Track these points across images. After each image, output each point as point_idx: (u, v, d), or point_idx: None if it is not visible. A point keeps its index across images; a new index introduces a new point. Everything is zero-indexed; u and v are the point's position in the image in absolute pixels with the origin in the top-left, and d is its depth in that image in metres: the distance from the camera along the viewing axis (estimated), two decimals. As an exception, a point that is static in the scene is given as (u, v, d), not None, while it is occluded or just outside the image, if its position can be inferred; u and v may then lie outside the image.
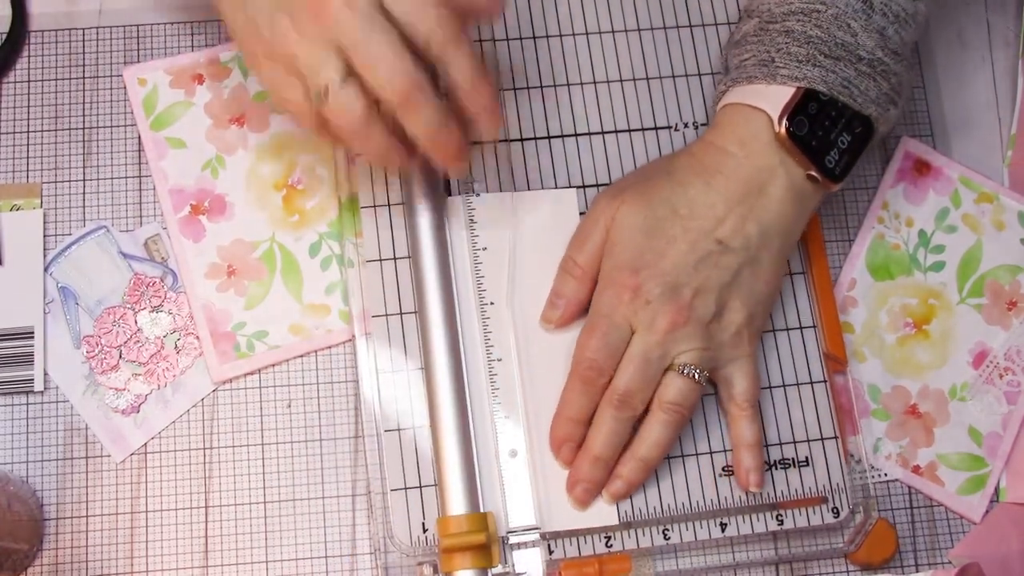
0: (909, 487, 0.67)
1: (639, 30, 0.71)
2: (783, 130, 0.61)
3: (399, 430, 0.63)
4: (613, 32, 0.71)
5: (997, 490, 0.67)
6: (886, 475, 0.66)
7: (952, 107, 0.73)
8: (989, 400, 0.68)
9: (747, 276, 0.62)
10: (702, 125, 0.69)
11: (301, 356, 0.66)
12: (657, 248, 0.61)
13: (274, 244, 0.67)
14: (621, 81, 0.70)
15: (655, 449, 0.61)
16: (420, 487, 0.62)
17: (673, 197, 0.62)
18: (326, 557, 0.64)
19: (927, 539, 0.66)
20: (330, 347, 0.66)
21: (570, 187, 0.67)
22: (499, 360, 0.64)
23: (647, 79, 0.70)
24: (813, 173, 0.62)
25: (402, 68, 0.54)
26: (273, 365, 0.66)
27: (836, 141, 0.62)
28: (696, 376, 0.61)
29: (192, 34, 0.70)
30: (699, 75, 0.70)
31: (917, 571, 0.65)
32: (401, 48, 0.54)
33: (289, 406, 0.65)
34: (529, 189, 0.67)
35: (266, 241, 0.67)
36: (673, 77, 0.70)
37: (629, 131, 0.69)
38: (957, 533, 0.66)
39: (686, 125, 0.69)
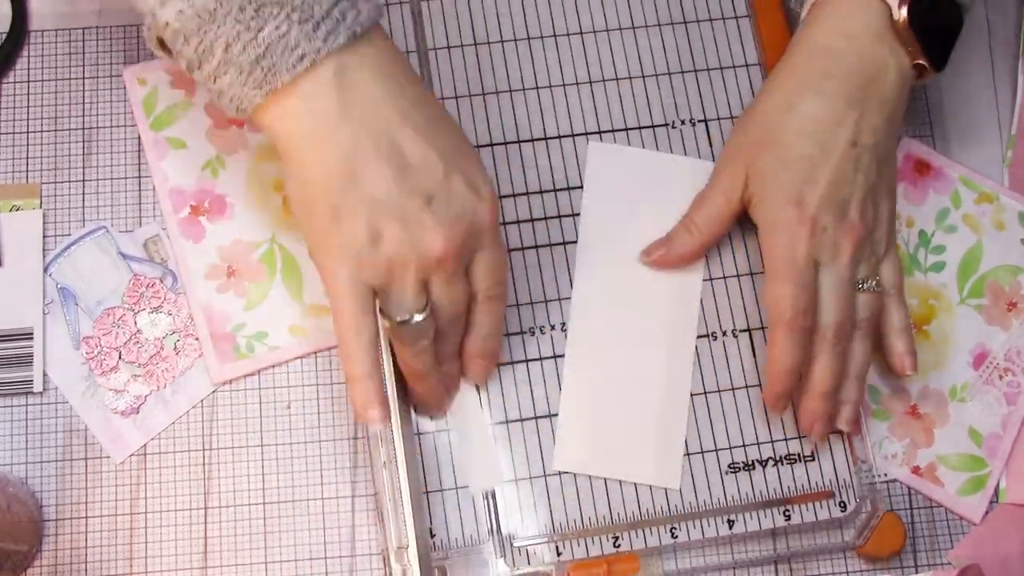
0: (909, 488, 0.67)
1: (633, 28, 0.71)
2: (903, 18, 0.61)
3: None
4: (608, 31, 0.70)
5: (997, 491, 0.67)
6: (886, 475, 0.66)
7: (952, 107, 0.73)
8: (989, 401, 0.68)
9: (885, 170, 0.63)
10: (699, 121, 0.69)
11: (301, 357, 0.66)
12: (805, 174, 0.61)
13: (274, 245, 0.67)
14: (617, 79, 0.70)
15: (864, 366, 0.63)
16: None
17: (793, 122, 0.62)
18: (326, 558, 0.64)
19: (927, 540, 0.66)
20: (330, 348, 0.66)
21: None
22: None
23: (643, 77, 0.70)
24: (921, 61, 0.63)
25: (460, 322, 0.60)
26: (273, 366, 0.66)
27: (939, 29, 0.63)
28: (875, 288, 0.62)
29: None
30: (695, 71, 0.70)
31: (917, 572, 0.65)
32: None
33: (289, 407, 0.65)
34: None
35: (266, 242, 0.67)
36: (669, 74, 0.70)
37: (626, 129, 0.69)
38: (957, 534, 0.66)
39: (683, 122, 0.69)
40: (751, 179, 0.63)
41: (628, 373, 0.65)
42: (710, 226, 0.65)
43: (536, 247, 0.67)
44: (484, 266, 0.58)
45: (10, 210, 0.67)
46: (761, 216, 0.63)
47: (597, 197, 0.67)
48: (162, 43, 0.55)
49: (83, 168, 0.68)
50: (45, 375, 0.65)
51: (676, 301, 0.66)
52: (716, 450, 0.64)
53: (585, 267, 0.66)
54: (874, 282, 0.62)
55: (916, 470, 0.67)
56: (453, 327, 0.59)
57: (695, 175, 0.67)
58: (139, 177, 0.68)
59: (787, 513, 0.63)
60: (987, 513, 0.66)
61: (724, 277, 0.67)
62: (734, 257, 0.67)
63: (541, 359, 0.65)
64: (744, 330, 0.66)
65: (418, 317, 0.56)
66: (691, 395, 0.65)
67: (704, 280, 0.67)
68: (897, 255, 0.65)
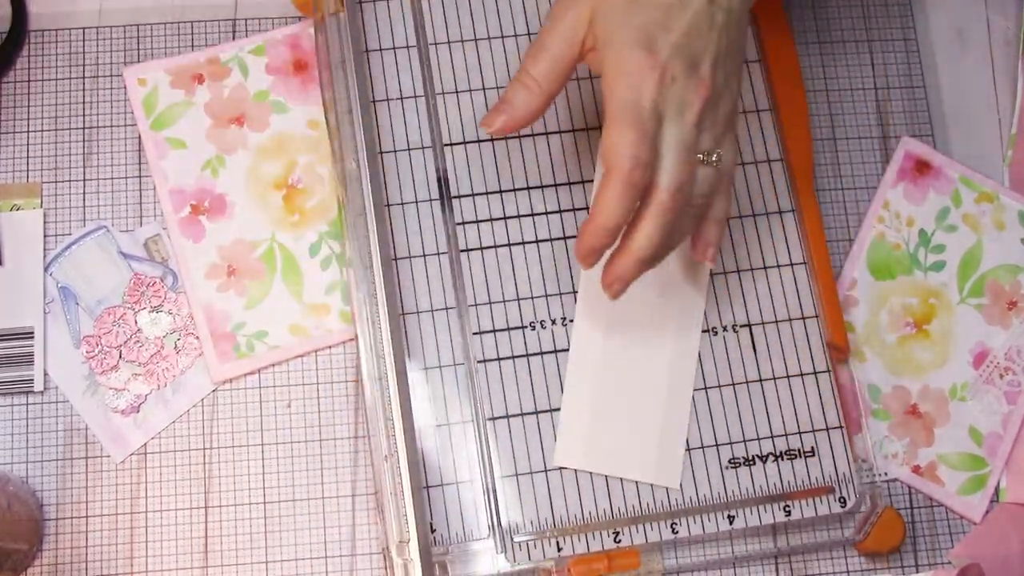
0: (909, 487, 0.67)
1: None
2: None
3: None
4: None
5: (997, 490, 0.67)
6: (887, 475, 0.66)
7: (952, 107, 0.73)
8: (989, 400, 0.68)
9: (738, 39, 0.57)
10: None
11: (301, 356, 0.66)
12: (659, 19, 0.55)
13: (274, 244, 0.67)
14: None
15: (678, 240, 0.58)
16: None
17: None
18: (326, 557, 0.64)
19: (927, 539, 0.66)
20: (330, 347, 0.66)
21: None
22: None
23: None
24: None
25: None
26: (273, 365, 0.66)
27: None
28: (716, 163, 0.56)
29: (192, 34, 0.70)
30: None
31: (917, 571, 0.65)
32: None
33: (289, 406, 0.65)
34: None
35: (266, 241, 0.67)
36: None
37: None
38: (957, 533, 0.66)
39: None
40: (596, 20, 0.56)
41: (631, 371, 0.65)
42: (550, 79, 0.57)
43: (537, 241, 0.67)
44: None
45: (10, 209, 0.67)
46: (606, 59, 0.55)
47: None
48: None
49: (83, 168, 0.68)
50: (45, 374, 0.65)
51: (682, 297, 0.66)
52: (716, 445, 0.64)
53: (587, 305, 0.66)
54: (715, 157, 0.56)
55: (917, 469, 0.67)
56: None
57: None
58: (139, 177, 0.68)
59: (787, 509, 0.63)
60: (987, 512, 0.66)
61: (724, 272, 0.67)
62: (734, 252, 0.67)
63: (542, 353, 0.65)
64: (744, 325, 0.66)
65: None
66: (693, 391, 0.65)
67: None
68: (736, 140, 0.58)
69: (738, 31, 0.57)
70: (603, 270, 0.58)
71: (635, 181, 0.54)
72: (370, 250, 0.63)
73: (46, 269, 0.66)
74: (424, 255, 0.65)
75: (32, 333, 0.65)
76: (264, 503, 0.64)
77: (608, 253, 0.57)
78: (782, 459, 0.64)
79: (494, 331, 0.65)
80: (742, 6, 0.57)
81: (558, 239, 0.67)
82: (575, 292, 0.66)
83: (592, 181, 0.67)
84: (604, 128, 0.55)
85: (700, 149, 0.56)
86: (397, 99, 0.68)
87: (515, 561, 0.61)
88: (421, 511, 0.60)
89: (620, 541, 0.62)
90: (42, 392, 0.65)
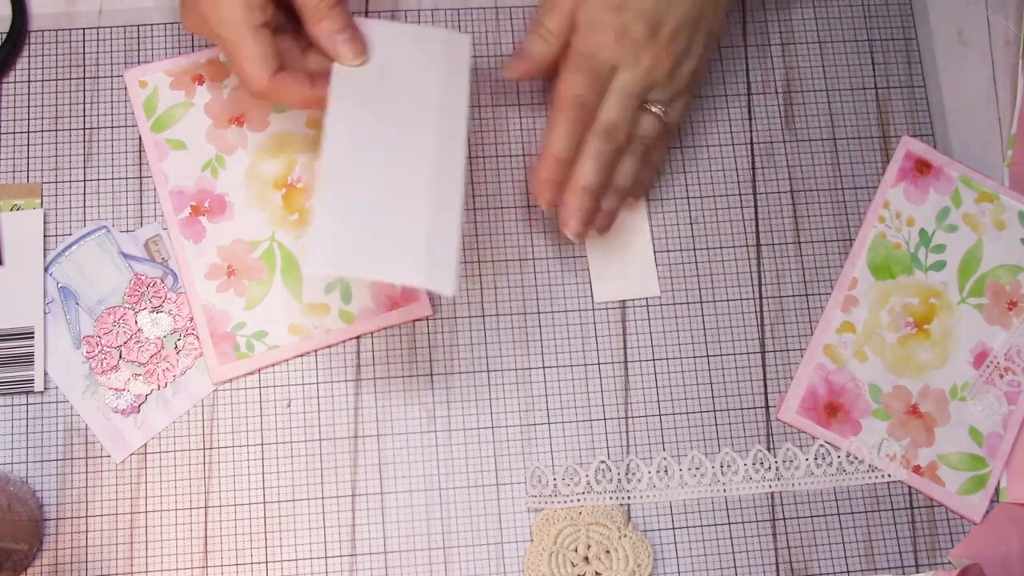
0: (909, 487, 0.67)
1: None
2: None
3: None
4: None
5: (997, 490, 0.67)
6: (888, 476, 0.66)
7: (953, 107, 0.73)
8: (989, 400, 0.68)
9: (709, 10, 0.64)
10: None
11: (301, 356, 0.66)
12: None
13: (274, 243, 0.67)
14: None
15: (629, 178, 0.65)
16: None
17: None
18: (326, 558, 0.64)
19: (927, 539, 0.66)
20: (330, 347, 0.66)
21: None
22: None
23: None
24: None
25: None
26: (273, 365, 0.66)
27: None
28: (662, 112, 0.64)
29: (192, 34, 0.70)
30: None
31: (917, 571, 0.65)
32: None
33: (289, 406, 0.66)
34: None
35: (266, 240, 0.67)
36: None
37: None
38: (957, 533, 0.66)
39: None
40: None
41: (391, 163, 0.60)
42: (562, 31, 0.64)
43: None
44: None
45: (11, 209, 0.67)
46: (581, 14, 0.63)
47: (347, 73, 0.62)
48: None
49: (84, 168, 0.68)
50: (46, 374, 0.65)
51: (438, 143, 0.61)
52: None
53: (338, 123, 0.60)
54: (661, 109, 0.64)
55: (917, 469, 0.67)
56: None
57: (448, 44, 0.64)
58: (140, 177, 0.68)
59: None
60: (987, 512, 0.66)
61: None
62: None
63: None
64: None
65: None
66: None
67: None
68: (688, 106, 0.67)
69: (714, 7, 0.65)
70: (559, 212, 0.64)
71: (577, 117, 0.62)
72: None
73: (46, 269, 0.66)
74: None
75: (32, 333, 0.65)
76: (264, 503, 0.64)
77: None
78: None
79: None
80: None
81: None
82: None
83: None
84: (560, 72, 0.63)
85: (648, 99, 0.64)
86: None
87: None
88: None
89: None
90: (42, 392, 0.65)
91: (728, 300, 0.69)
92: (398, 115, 0.62)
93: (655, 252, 0.69)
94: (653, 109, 0.64)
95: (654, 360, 0.67)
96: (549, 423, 0.66)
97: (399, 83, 0.63)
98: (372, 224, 0.58)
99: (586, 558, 0.63)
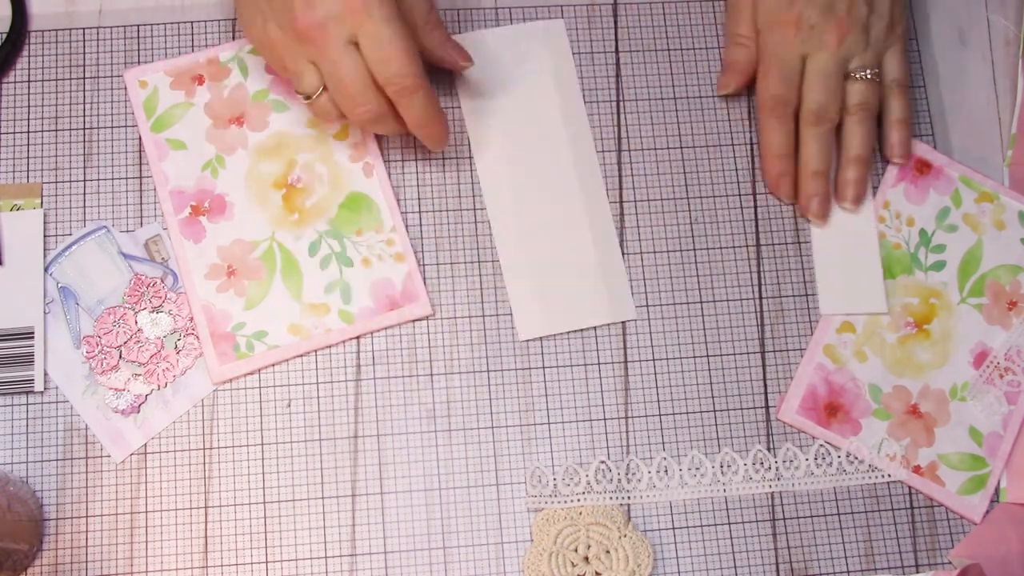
0: (909, 487, 0.67)
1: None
2: None
3: None
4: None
5: (997, 490, 0.67)
6: (888, 476, 0.66)
7: (952, 107, 0.73)
8: (990, 400, 0.68)
9: None
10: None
11: (301, 356, 0.66)
12: None
13: (273, 243, 0.67)
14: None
15: (864, 146, 0.69)
16: None
17: None
18: (326, 558, 0.64)
19: (927, 539, 0.66)
20: (330, 346, 0.66)
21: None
22: None
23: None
24: None
25: (364, 99, 0.62)
26: (273, 365, 0.66)
27: None
28: (869, 75, 0.68)
29: (192, 34, 0.70)
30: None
31: (917, 571, 0.65)
32: (366, 79, 0.61)
33: (289, 406, 0.65)
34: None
35: (266, 240, 0.67)
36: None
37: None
38: (957, 533, 0.66)
39: None
40: None
41: (553, 228, 0.68)
42: (754, 32, 0.69)
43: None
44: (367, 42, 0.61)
45: (11, 209, 0.67)
46: (759, 16, 0.69)
47: (471, 90, 0.70)
48: None
49: (84, 168, 0.68)
50: (46, 374, 0.65)
51: (575, 151, 0.69)
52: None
53: (486, 162, 0.69)
54: (868, 72, 0.68)
55: (917, 469, 0.67)
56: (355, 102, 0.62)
57: (547, 35, 0.71)
58: (140, 177, 0.68)
59: None
60: (987, 512, 0.66)
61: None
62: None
63: None
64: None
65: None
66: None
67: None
68: (904, 53, 0.70)
69: None
70: (798, 200, 0.69)
71: (781, 114, 0.68)
72: None
73: (46, 269, 0.66)
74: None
75: (32, 333, 0.65)
76: (264, 503, 0.64)
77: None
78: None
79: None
80: None
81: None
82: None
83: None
84: (758, 75, 0.69)
85: (849, 70, 0.68)
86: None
87: None
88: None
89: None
90: (42, 392, 0.65)
91: (728, 300, 0.69)
92: (531, 129, 0.69)
93: (655, 252, 0.69)
94: (859, 75, 0.68)
95: (654, 360, 0.67)
96: (549, 423, 0.66)
97: (519, 91, 0.70)
98: (555, 278, 0.67)
99: (586, 558, 0.63)
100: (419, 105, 0.62)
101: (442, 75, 0.70)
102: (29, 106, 0.69)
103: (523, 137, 0.69)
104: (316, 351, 0.66)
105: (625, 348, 0.67)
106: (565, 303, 0.67)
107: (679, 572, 0.64)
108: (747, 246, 0.69)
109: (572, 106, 0.70)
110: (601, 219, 0.68)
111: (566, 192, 0.68)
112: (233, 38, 0.70)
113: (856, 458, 0.66)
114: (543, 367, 0.67)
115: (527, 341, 0.67)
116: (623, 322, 0.68)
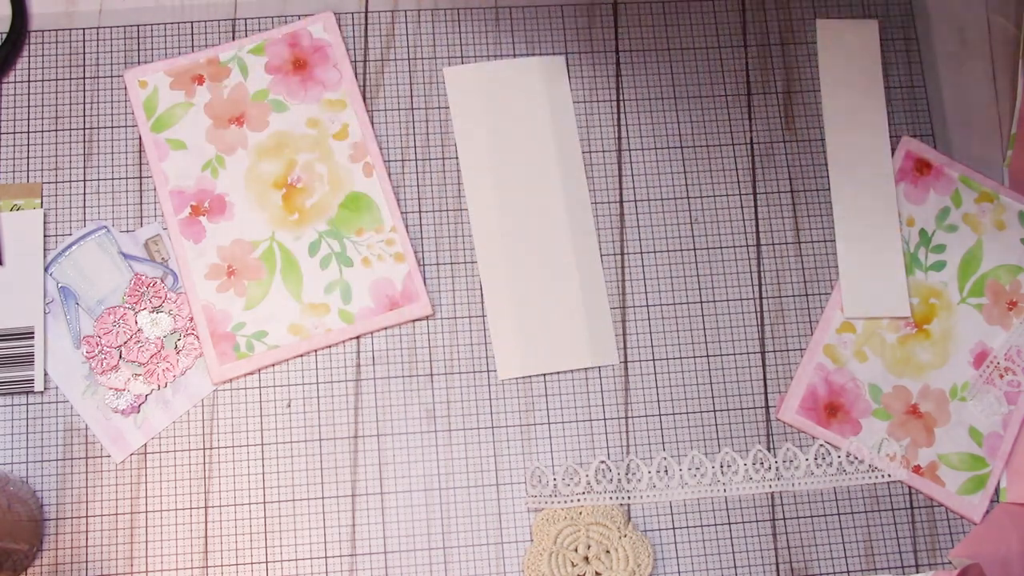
0: (909, 487, 0.67)
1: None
2: None
3: None
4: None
5: (997, 490, 0.67)
6: (888, 476, 0.66)
7: (952, 107, 0.73)
8: (989, 400, 0.68)
9: None
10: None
11: (301, 356, 0.66)
12: None
13: (273, 243, 0.67)
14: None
15: None
16: None
17: None
18: (326, 558, 0.64)
19: (927, 539, 0.66)
20: (329, 347, 0.66)
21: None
22: None
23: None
24: None
25: None
26: (273, 365, 0.66)
27: None
28: None
29: (192, 34, 0.70)
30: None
31: (917, 571, 0.65)
32: None
33: (289, 406, 0.65)
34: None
35: (266, 240, 0.67)
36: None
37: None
38: (957, 533, 0.66)
39: None
40: None
41: (540, 269, 0.68)
42: None
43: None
44: None
45: (11, 209, 0.67)
46: None
47: (466, 119, 0.70)
48: None
49: (84, 168, 0.68)
50: (46, 374, 0.65)
51: (566, 187, 0.69)
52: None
53: (475, 189, 0.69)
54: None
55: (917, 469, 0.67)
56: None
57: (546, 71, 0.70)
58: (140, 177, 0.68)
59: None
60: (987, 512, 0.66)
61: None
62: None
63: None
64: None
65: None
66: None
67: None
68: None
69: None
70: None
71: None
72: None
73: (46, 269, 0.66)
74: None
75: (32, 333, 0.65)
76: (264, 503, 0.64)
77: None
78: None
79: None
80: None
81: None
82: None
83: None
84: None
85: None
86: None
87: None
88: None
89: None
90: (42, 392, 0.65)
91: (728, 300, 0.69)
92: (525, 167, 0.69)
93: (655, 252, 0.69)
94: None
95: (654, 360, 0.67)
96: (549, 423, 0.66)
97: (515, 126, 0.69)
98: (539, 321, 0.67)
99: (586, 558, 0.63)
100: None
101: (441, 102, 0.70)
102: (29, 106, 0.69)
103: (516, 184, 0.69)
104: (316, 351, 0.66)
105: (625, 348, 0.67)
106: (548, 344, 0.67)
107: (679, 572, 0.64)
108: (747, 246, 0.69)
109: (569, 152, 0.69)
110: (590, 265, 0.68)
111: (556, 237, 0.68)
112: (233, 38, 0.70)
113: (856, 458, 0.66)
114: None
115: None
116: (623, 322, 0.68)
